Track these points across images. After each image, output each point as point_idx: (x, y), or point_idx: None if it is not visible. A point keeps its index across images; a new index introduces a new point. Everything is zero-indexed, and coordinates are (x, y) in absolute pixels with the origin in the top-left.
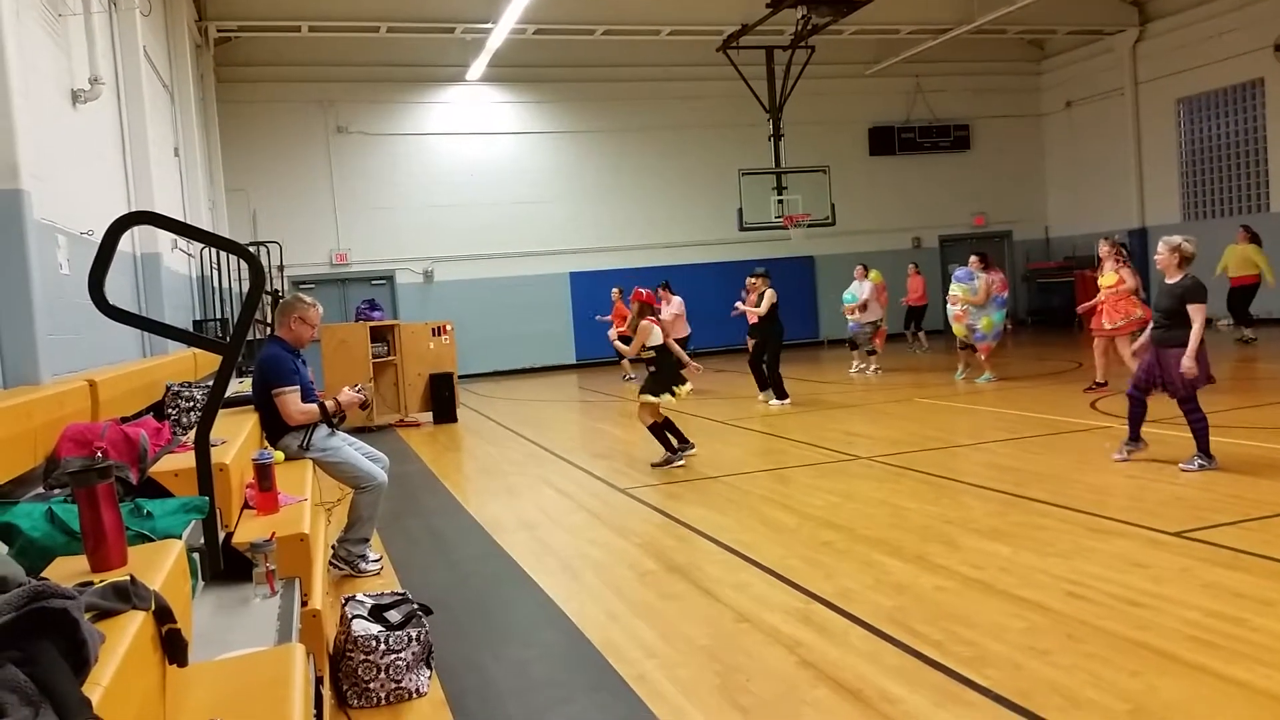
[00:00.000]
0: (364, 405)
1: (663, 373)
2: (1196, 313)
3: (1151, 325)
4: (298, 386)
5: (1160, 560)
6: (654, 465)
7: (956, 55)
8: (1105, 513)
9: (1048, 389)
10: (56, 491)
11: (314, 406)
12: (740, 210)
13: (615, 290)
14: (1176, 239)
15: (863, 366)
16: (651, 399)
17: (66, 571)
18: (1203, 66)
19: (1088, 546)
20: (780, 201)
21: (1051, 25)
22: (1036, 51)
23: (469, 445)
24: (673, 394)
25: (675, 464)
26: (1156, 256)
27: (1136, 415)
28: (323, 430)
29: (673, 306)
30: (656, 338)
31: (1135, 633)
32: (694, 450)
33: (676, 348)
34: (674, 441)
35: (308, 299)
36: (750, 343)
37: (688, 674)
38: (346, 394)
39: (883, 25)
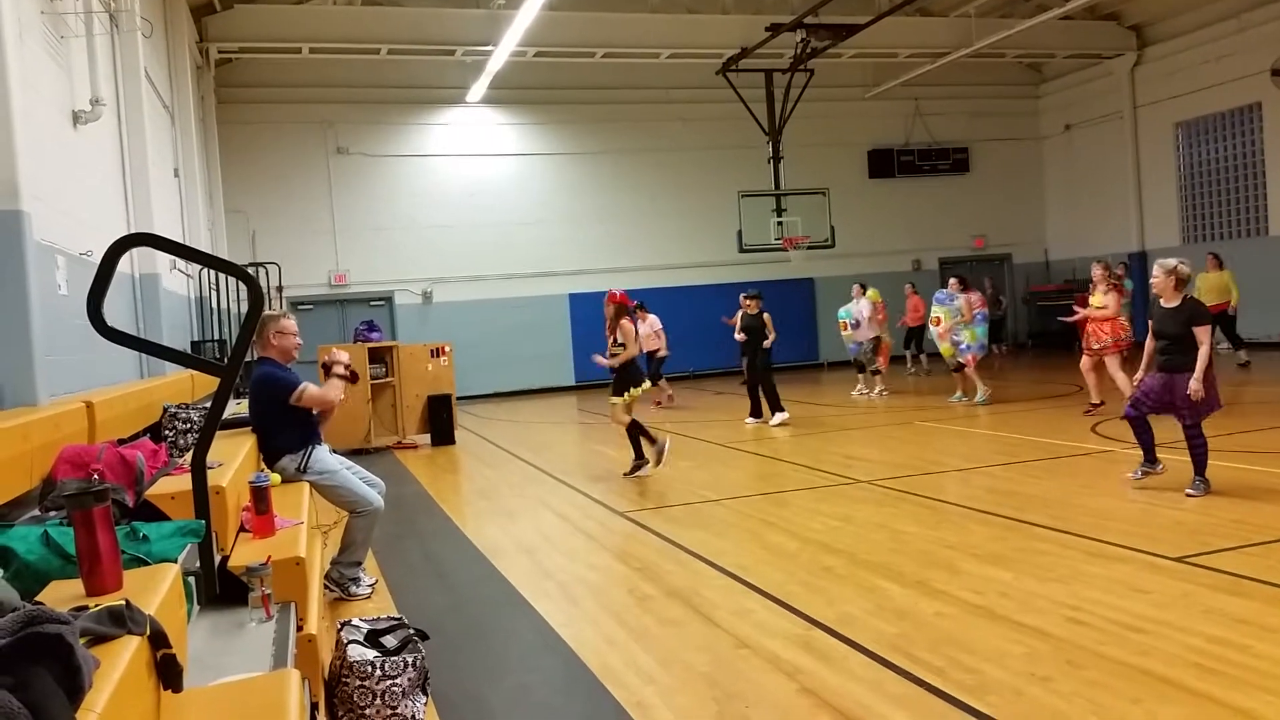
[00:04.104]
0: (352, 378)
1: (622, 373)
2: (1204, 334)
3: (1159, 353)
4: (304, 381)
5: (1161, 585)
6: (625, 475)
7: (955, 79)
8: (1105, 537)
9: (1048, 412)
10: (52, 514)
11: (330, 385)
12: (740, 232)
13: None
14: (1172, 262)
15: (864, 390)
16: (617, 400)
17: (61, 595)
18: (1201, 90)
19: (1088, 572)
20: (780, 223)
21: (1050, 49)
22: (1035, 75)
23: (467, 467)
24: (628, 393)
25: (641, 473)
26: (1153, 280)
27: (1144, 436)
28: (320, 452)
29: (648, 325)
30: (630, 338)
31: (1136, 659)
32: (648, 465)
33: (630, 353)
34: (645, 449)
35: (274, 310)
36: (744, 362)
37: (686, 701)
38: (330, 357)
39: (881, 49)
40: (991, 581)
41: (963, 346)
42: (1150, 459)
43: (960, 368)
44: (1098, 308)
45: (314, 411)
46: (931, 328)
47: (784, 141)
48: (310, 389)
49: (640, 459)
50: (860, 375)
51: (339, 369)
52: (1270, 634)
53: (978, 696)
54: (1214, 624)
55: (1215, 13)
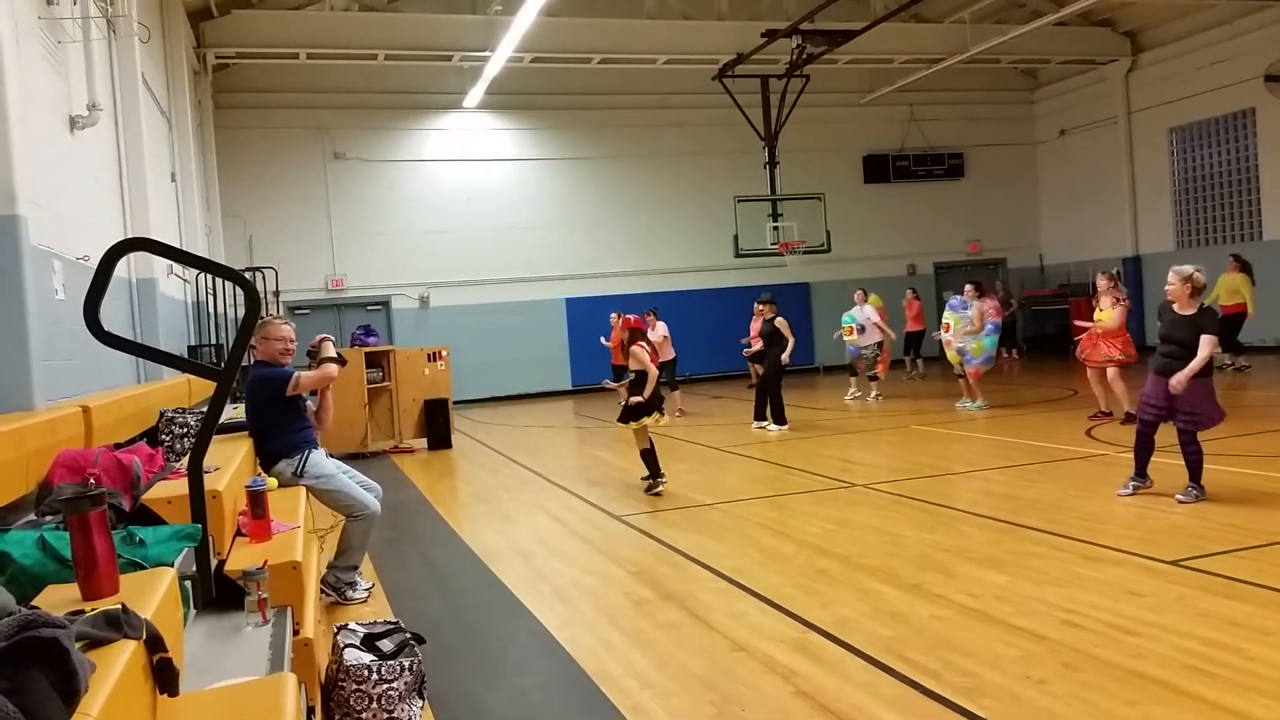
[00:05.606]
0: (340, 360)
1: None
2: (1208, 343)
3: (1162, 355)
4: (294, 370)
5: (1156, 589)
6: (643, 478)
7: (950, 84)
8: (1101, 541)
9: (1043, 416)
10: (48, 518)
11: (322, 367)
12: (736, 237)
13: (614, 315)
14: (1188, 269)
15: (858, 394)
16: (635, 425)
17: (58, 600)
18: (1195, 96)
19: (1083, 575)
20: (776, 228)
21: (1045, 55)
22: (1030, 81)
23: (464, 472)
24: (648, 416)
25: (655, 490)
26: (1168, 287)
27: (1144, 451)
28: (317, 456)
29: (658, 331)
30: (645, 363)
31: (1132, 662)
32: (665, 481)
33: (652, 378)
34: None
35: (265, 316)
36: (755, 369)
37: (682, 704)
38: (315, 344)
39: (877, 55)
40: (987, 585)
41: (968, 358)
42: (1141, 473)
43: (963, 374)
44: (1103, 321)
45: (309, 413)
46: (941, 333)
47: (780, 147)
48: (304, 374)
49: (655, 475)
50: (853, 379)
51: (327, 348)
52: (1264, 637)
53: (973, 699)
54: (1208, 627)
55: (1209, 19)
